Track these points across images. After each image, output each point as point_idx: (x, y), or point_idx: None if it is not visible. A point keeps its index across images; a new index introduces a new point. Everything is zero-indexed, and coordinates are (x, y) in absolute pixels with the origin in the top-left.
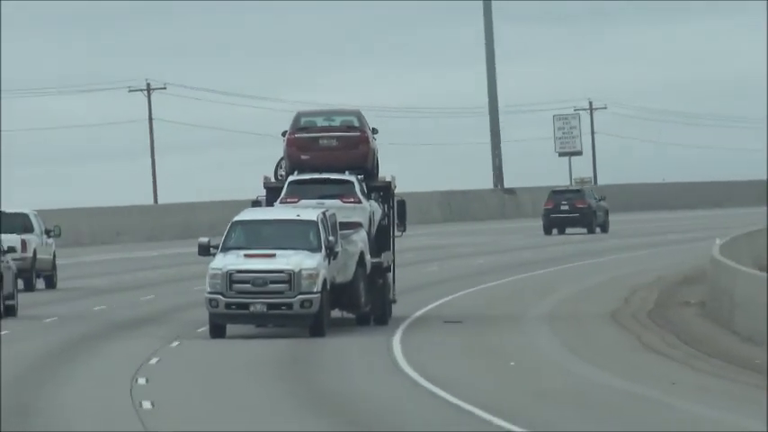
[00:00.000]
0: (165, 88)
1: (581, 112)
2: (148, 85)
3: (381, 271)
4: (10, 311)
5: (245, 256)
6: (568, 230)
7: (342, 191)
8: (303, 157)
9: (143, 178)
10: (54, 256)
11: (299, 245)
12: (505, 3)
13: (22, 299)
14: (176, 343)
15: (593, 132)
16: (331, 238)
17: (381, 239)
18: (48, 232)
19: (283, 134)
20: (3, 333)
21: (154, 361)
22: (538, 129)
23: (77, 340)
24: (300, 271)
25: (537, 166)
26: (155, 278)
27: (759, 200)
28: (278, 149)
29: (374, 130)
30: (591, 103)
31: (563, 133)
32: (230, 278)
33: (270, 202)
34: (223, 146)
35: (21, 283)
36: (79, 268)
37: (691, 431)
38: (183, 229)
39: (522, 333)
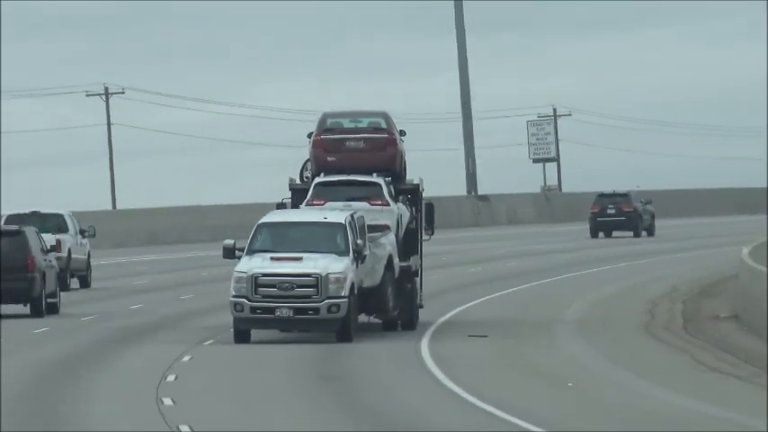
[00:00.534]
0: (123, 92)
1: (547, 118)
2: (106, 89)
3: (410, 275)
4: (52, 309)
5: (272, 259)
6: (615, 234)
7: (369, 193)
8: (329, 158)
9: (101, 183)
10: (89, 255)
11: (327, 248)
12: (472, 11)
13: None
14: (188, 357)
15: (557, 140)
16: (359, 241)
17: (409, 243)
18: (82, 232)
19: (309, 135)
20: (41, 330)
21: (171, 378)
22: (509, 135)
23: (105, 341)
24: (328, 275)
25: (511, 173)
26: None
27: (739, 209)
28: (235, 155)
29: (402, 132)
30: (555, 110)
31: (537, 139)
32: (256, 282)
33: (295, 204)
34: (182, 151)
35: None
36: None
37: None
38: (148, 235)
39: (555, 344)
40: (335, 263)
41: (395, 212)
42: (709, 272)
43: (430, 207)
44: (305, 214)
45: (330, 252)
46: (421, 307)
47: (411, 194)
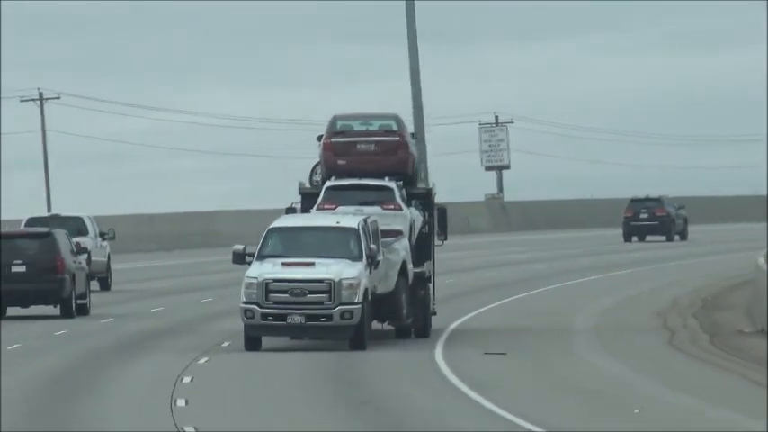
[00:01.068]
0: (59, 98)
1: (500, 125)
2: (41, 94)
3: (423, 281)
4: (82, 310)
5: (283, 264)
6: (648, 238)
7: (381, 197)
8: (340, 162)
9: (36, 190)
10: (108, 258)
11: (339, 253)
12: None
13: None
14: (205, 359)
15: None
16: (372, 246)
17: (422, 248)
18: (102, 235)
19: (319, 138)
20: (59, 333)
21: (184, 389)
22: (455, 143)
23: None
24: (341, 281)
25: (462, 181)
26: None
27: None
28: (171, 162)
29: (413, 135)
30: (497, 118)
31: (489, 146)
32: (267, 288)
33: (305, 208)
34: (117, 158)
35: None
36: None
37: None
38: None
39: (580, 356)
40: (348, 268)
41: (407, 217)
42: (708, 281)
43: (443, 212)
44: (317, 219)
45: (343, 257)
46: (434, 314)
47: (423, 199)
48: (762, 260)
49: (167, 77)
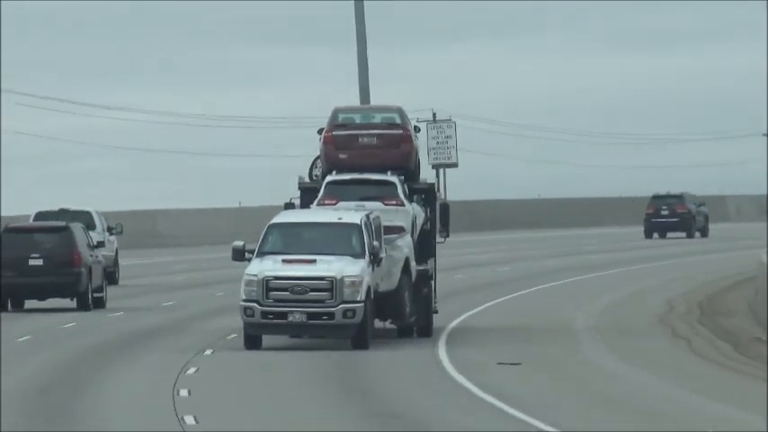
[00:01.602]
0: None
1: (448, 122)
2: None
3: (426, 279)
4: (99, 303)
5: (283, 261)
6: (669, 235)
7: (383, 192)
8: (341, 156)
9: None
10: (116, 252)
11: (341, 250)
12: (332, 19)
13: None
14: (209, 351)
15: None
16: (375, 242)
17: (424, 245)
18: (110, 230)
19: (319, 132)
20: (70, 325)
21: (184, 391)
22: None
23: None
24: (343, 278)
25: None
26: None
27: (630, 219)
28: (120, 161)
29: (416, 129)
30: (435, 115)
31: (437, 143)
32: (267, 285)
33: (305, 203)
34: (64, 157)
35: None
36: None
37: None
38: None
39: (594, 359)
40: (351, 265)
41: (410, 213)
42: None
43: (445, 208)
44: (318, 214)
45: (345, 254)
46: (436, 312)
47: (426, 194)
48: (764, 258)
49: (100, 76)
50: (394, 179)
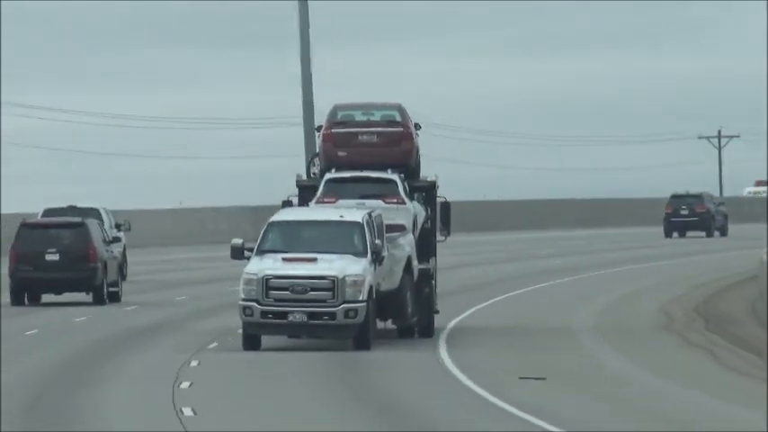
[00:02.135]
0: None
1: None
2: None
3: (428, 278)
4: (114, 297)
5: (284, 260)
6: (689, 234)
7: (384, 190)
8: (340, 153)
9: None
10: (124, 249)
11: (343, 248)
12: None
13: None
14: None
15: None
16: (377, 241)
17: (424, 244)
18: (118, 226)
19: (318, 129)
20: (79, 319)
21: (186, 385)
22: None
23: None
24: (344, 277)
25: None
26: None
27: (579, 221)
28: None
29: (417, 126)
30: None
31: None
32: (267, 284)
33: (303, 201)
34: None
35: None
36: None
37: None
38: None
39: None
40: (353, 264)
41: (411, 211)
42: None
43: (446, 206)
44: (319, 212)
45: (346, 253)
46: (437, 312)
47: (426, 192)
48: (765, 257)
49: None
50: (395, 177)
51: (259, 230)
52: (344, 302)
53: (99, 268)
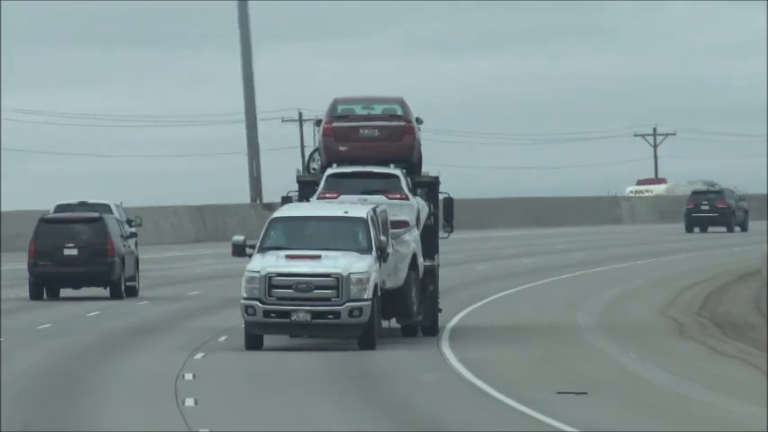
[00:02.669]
0: None
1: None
2: None
3: (433, 276)
4: (131, 292)
5: (287, 257)
6: (710, 229)
7: (386, 186)
8: (341, 148)
9: None
10: (136, 244)
11: (347, 245)
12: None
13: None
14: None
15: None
16: (382, 237)
17: (428, 241)
18: (129, 222)
19: (318, 123)
20: (93, 314)
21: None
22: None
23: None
24: (349, 275)
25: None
26: None
27: (537, 221)
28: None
29: (418, 120)
30: (300, 114)
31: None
32: (269, 282)
33: (304, 197)
34: None
35: None
36: None
37: None
38: None
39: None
40: (357, 262)
41: (414, 207)
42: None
43: (449, 202)
44: (323, 208)
45: (351, 250)
46: (440, 311)
47: (429, 188)
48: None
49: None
50: (397, 172)
51: (205, 229)
52: (349, 301)
53: (117, 263)
